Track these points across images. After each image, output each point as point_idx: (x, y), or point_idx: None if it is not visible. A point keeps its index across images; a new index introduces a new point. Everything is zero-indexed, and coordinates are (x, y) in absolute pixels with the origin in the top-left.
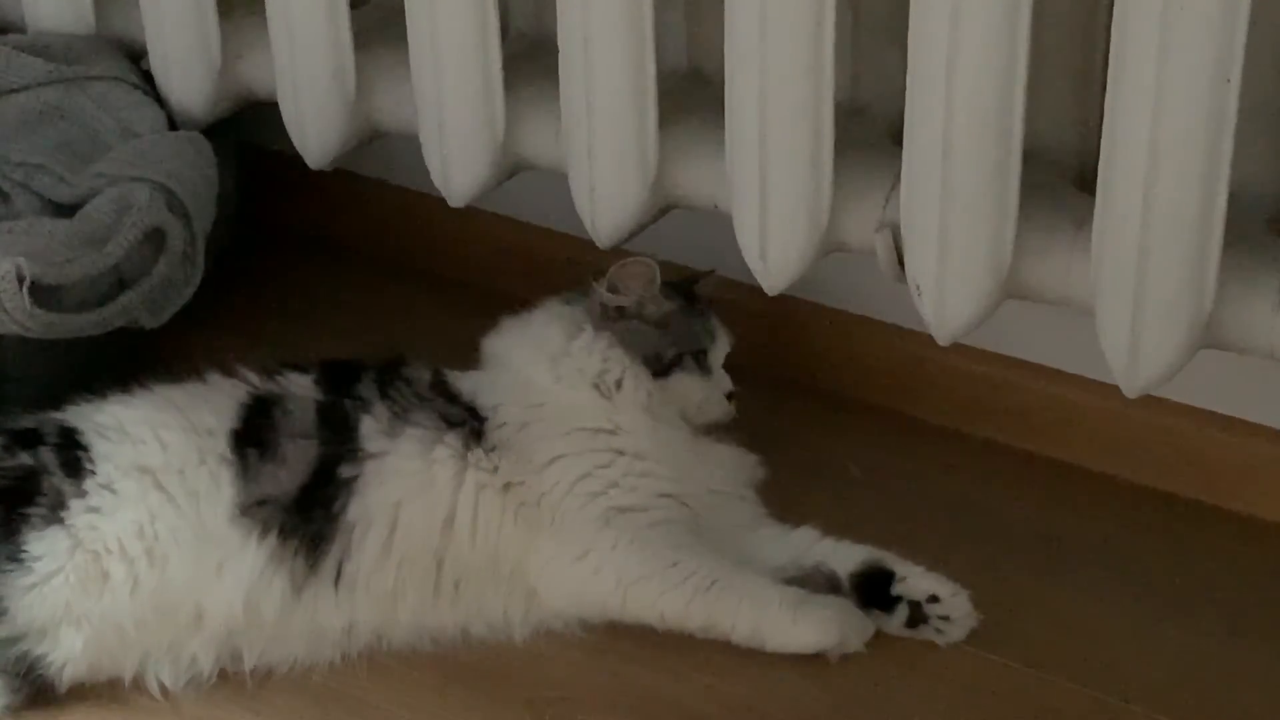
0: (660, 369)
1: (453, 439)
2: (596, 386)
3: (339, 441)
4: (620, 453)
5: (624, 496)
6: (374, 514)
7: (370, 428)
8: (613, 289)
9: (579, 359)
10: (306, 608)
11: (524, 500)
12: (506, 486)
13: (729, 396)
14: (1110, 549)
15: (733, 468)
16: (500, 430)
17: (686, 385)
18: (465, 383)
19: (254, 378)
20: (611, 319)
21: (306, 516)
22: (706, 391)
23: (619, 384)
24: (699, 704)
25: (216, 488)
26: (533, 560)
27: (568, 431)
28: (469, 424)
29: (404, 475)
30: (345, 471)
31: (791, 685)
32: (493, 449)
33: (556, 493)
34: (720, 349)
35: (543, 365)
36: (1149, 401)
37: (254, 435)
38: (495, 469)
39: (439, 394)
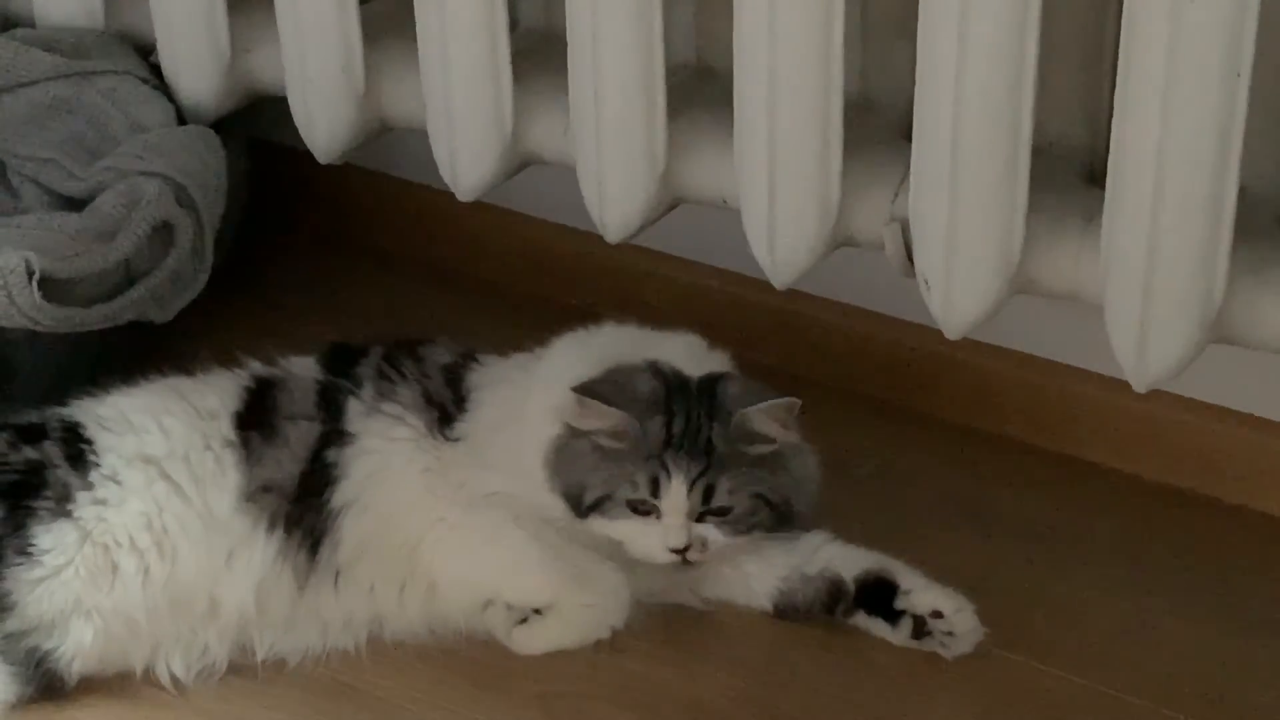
0: (578, 510)
1: (416, 420)
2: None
3: (331, 423)
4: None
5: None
6: (350, 500)
7: (354, 409)
8: (580, 420)
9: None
10: (310, 600)
11: (447, 478)
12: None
13: (680, 551)
14: (1120, 544)
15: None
16: (473, 422)
17: (605, 530)
18: (483, 373)
19: (257, 364)
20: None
21: (306, 505)
22: (630, 535)
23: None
24: (711, 700)
25: (222, 472)
26: (431, 532)
27: (524, 465)
28: (445, 409)
29: (371, 456)
30: (330, 456)
31: (804, 680)
32: (456, 440)
33: (477, 489)
34: (673, 500)
35: (538, 394)
36: (1159, 396)
37: (257, 417)
38: (443, 458)
39: (446, 375)
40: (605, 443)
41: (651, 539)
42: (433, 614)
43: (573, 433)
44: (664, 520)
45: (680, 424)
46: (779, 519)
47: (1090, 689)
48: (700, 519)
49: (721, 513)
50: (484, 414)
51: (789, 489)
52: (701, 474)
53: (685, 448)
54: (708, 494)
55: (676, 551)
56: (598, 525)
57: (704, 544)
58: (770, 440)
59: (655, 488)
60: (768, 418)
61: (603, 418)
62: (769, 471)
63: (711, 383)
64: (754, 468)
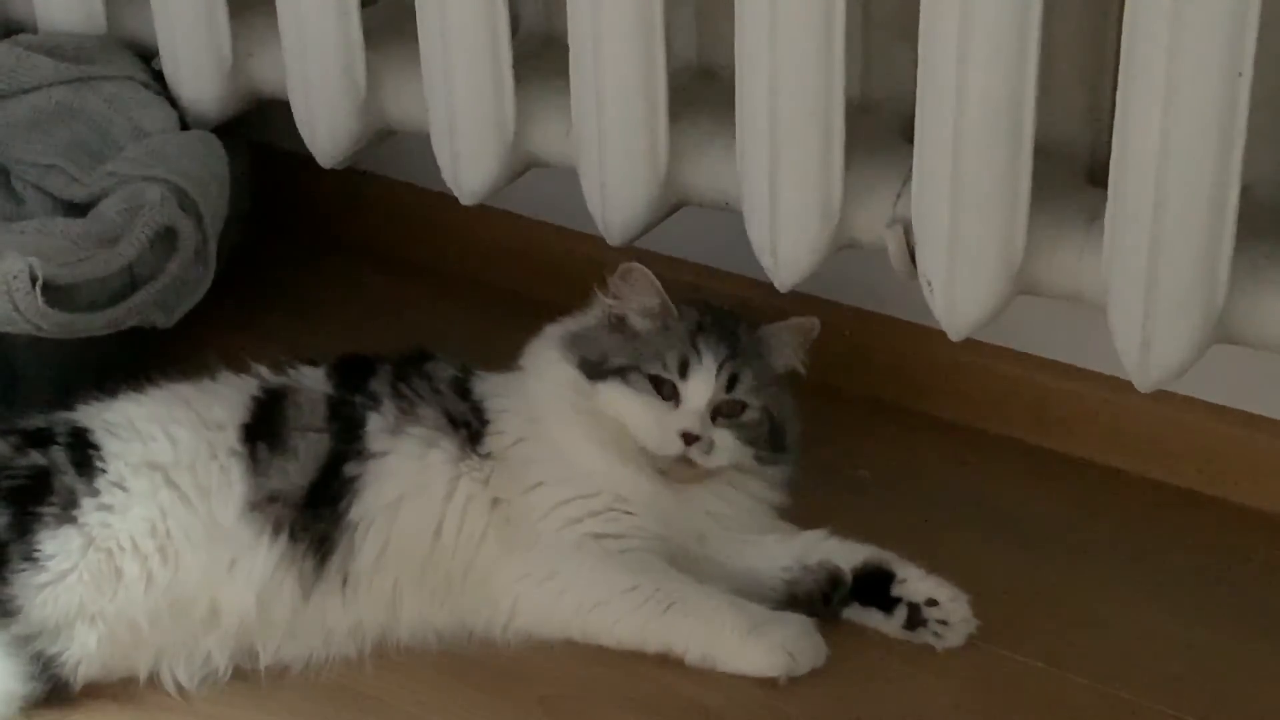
0: (596, 373)
1: (449, 443)
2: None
3: (347, 439)
4: (602, 490)
5: (601, 525)
6: (373, 515)
7: (376, 425)
8: (615, 295)
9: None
10: (315, 608)
11: (507, 517)
12: (494, 502)
13: (687, 438)
14: (1124, 544)
15: (738, 495)
16: (498, 438)
17: (619, 399)
18: (486, 384)
19: (265, 372)
20: (614, 328)
21: (315, 515)
22: (644, 413)
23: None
24: (715, 702)
25: (227, 483)
26: (504, 576)
27: (554, 457)
28: (470, 426)
29: (400, 476)
30: (350, 470)
31: (808, 682)
32: (487, 455)
33: (535, 515)
34: (699, 382)
35: (544, 382)
36: (1164, 397)
37: (264, 429)
38: (486, 481)
39: (456, 391)
40: (636, 322)
41: (665, 422)
42: (452, 625)
43: (593, 325)
44: (683, 406)
45: (711, 320)
46: (773, 445)
47: (1095, 689)
48: (714, 419)
49: (736, 411)
50: (505, 433)
51: (788, 416)
52: (729, 358)
53: (716, 335)
54: (732, 382)
55: (687, 439)
56: (611, 393)
57: (711, 446)
58: (785, 359)
59: (684, 369)
60: (788, 334)
61: (647, 291)
62: (778, 391)
63: (733, 313)
64: (769, 383)
